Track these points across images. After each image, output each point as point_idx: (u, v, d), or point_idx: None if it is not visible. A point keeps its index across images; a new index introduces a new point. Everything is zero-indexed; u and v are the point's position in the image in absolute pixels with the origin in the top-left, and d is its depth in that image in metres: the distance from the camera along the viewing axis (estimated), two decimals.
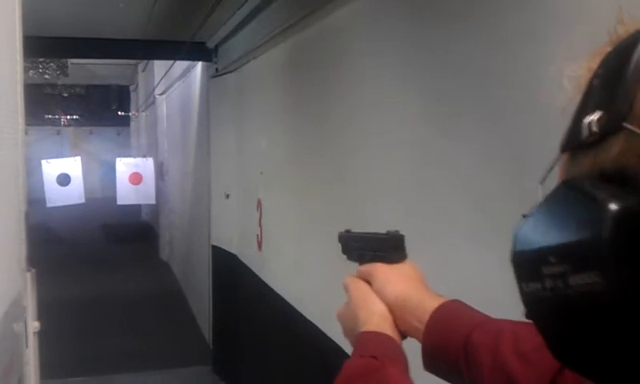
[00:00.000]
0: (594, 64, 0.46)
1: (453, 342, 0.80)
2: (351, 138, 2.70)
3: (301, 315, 3.37)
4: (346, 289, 0.94)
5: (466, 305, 0.85)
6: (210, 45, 5.33)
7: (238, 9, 4.10)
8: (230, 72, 5.06)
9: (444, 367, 0.82)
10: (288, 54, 3.68)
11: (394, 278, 0.90)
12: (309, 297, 3.34)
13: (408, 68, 2.15)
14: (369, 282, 0.92)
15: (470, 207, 1.76)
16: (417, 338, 0.86)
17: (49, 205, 8.32)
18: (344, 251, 1.01)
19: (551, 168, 0.49)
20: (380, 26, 2.39)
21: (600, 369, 0.41)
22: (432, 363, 0.84)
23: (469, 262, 1.72)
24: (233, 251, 5.17)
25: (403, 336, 0.88)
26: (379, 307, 0.88)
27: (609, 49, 0.46)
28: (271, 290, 4.02)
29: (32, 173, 9.66)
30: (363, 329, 0.86)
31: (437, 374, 0.85)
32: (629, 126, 0.39)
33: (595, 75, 0.45)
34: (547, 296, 0.42)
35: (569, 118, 0.47)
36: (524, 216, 0.48)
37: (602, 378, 0.41)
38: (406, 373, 0.80)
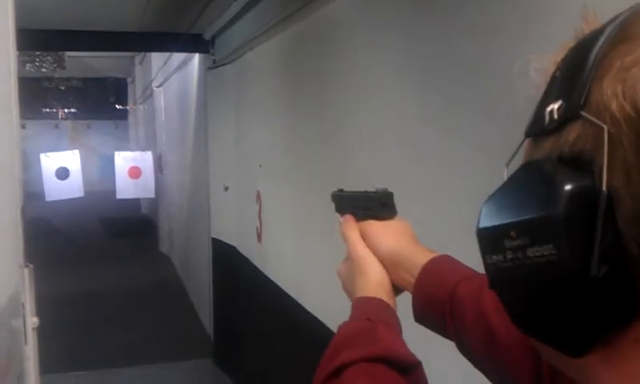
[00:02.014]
0: (559, 58, 0.50)
1: (439, 295, 0.84)
2: (350, 129, 2.69)
3: (301, 307, 3.38)
4: (345, 241, 0.98)
5: (454, 259, 0.90)
6: (207, 36, 5.30)
7: (235, 0, 4.07)
8: (228, 63, 5.04)
9: (432, 320, 0.86)
10: (286, 45, 3.66)
11: (385, 234, 0.94)
12: (308, 288, 3.34)
13: (406, 60, 2.14)
14: (363, 238, 0.96)
15: (467, 204, 1.75)
16: (409, 291, 0.90)
17: (48, 199, 8.33)
18: (337, 209, 1.06)
19: (516, 151, 0.53)
20: (378, 18, 2.38)
21: (554, 334, 0.45)
22: (421, 316, 0.88)
23: (466, 259, 1.71)
24: (232, 243, 5.17)
25: (397, 291, 0.92)
26: (376, 273, 0.92)
27: (572, 44, 0.50)
28: (271, 281, 4.02)
29: (31, 167, 9.66)
30: (360, 294, 0.90)
31: (426, 326, 0.89)
32: (585, 115, 0.43)
33: (558, 67, 0.49)
34: (507, 267, 0.47)
35: (534, 106, 0.51)
36: (490, 196, 0.52)
37: (556, 342, 0.46)
38: (399, 335, 0.83)
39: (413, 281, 0.88)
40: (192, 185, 7.36)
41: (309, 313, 3.23)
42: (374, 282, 0.91)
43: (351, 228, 0.98)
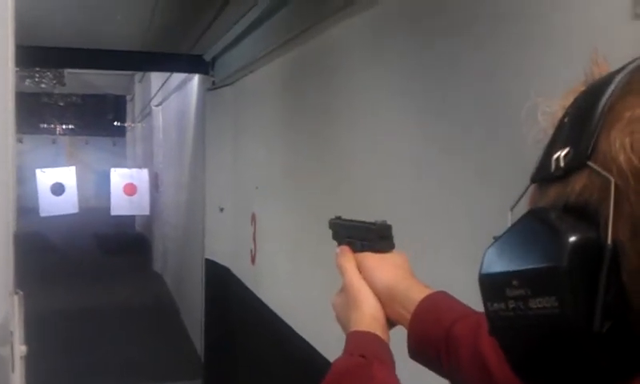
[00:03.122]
0: (567, 102, 0.50)
1: (435, 332, 0.83)
2: (348, 153, 2.69)
3: (293, 331, 3.35)
4: (341, 273, 0.97)
5: (450, 297, 0.89)
6: (208, 58, 5.33)
7: (236, 23, 4.10)
8: (227, 85, 5.06)
9: (427, 357, 0.86)
10: (285, 68, 3.68)
11: (382, 267, 0.93)
12: (302, 313, 3.32)
13: (406, 84, 2.15)
14: (359, 270, 0.95)
15: (468, 224, 1.75)
16: (404, 326, 0.89)
17: (42, 214, 8.29)
18: (334, 237, 1.04)
19: (521, 196, 0.52)
20: (378, 42, 2.39)
21: None
22: (416, 352, 0.87)
23: (465, 278, 1.70)
24: (226, 264, 5.14)
25: (391, 325, 0.91)
26: (371, 307, 0.91)
27: (582, 88, 0.50)
28: (264, 304, 4.00)
29: (26, 181, 9.62)
30: (354, 328, 0.89)
31: (421, 363, 0.88)
32: (592, 165, 0.42)
33: (566, 113, 0.49)
34: (509, 316, 0.46)
35: (540, 151, 0.51)
36: (494, 238, 0.51)
37: None
38: (393, 372, 0.83)
39: (408, 316, 0.87)
40: (187, 204, 7.34)
41: (301, 338, 3.21)
42: (369, 315, 0.90)
43: (347, 259, 0.97)
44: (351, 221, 1.03)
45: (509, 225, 0.50)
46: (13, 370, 1.41)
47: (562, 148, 0.46)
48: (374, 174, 2.41)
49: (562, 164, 0.46)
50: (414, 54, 2.09)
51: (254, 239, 4.29)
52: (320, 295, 2.97)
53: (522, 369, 0.48)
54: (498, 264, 0.48)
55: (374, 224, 0.97)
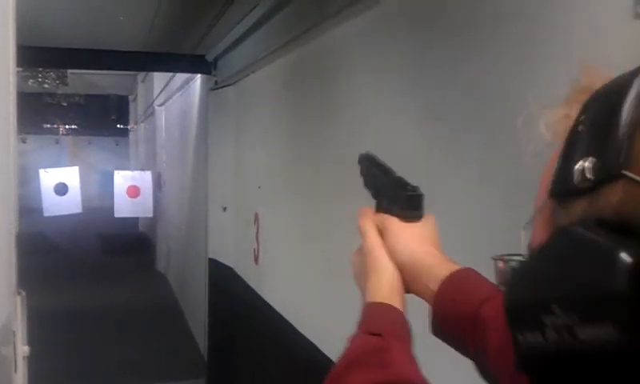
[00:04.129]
0: (572, 111, 0.47)
1: (462, 313, 0.79)
2: (349, 153, 2.68)
3: (296, 330, 3.35)
4: (362, 234, 0.92)
5: (478, 274, 0.83)
6: (210, 58, 5.33)
7: (238, 23, 4.11)
8: (229, 85, 5.06)
9: (452, 336, 0.81)
10: (287, 68, 3.68)
11: (407, 237, 0.88)
12: (305, 312, 3.32)
13: (407, 85, 2.15)
14: (381, 234, 0.90)
15: (467, 227, 1.75)
16: (427, 301, 0.84)
17: (46, 214, 8.31)
18: (362, 173, 0.98)
19: (536, 213, 0.48)
20: (379, 43, 2.39)
21: None
22: (439, 330, 0.83)
23: None
24: (229, 264, 5.15)
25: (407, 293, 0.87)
26: (389, 276, 0.86)
27: (582, 96, 0.47)
28: (267, 303, 4.00)
29: (30, 182, 9.64)
30: (370, 296, 0.85)
31: (444, 341, 0.84)
32: (629, 174, 0.39)
33: (579, 122, 0.45)
34: (549, 348, 0.41)
35: (542, 161, 0.48)
36: (495, 258, 0.48)
37: None
38: (411, 351, 0.79)
39: (431, 292, 0.82)
40: (190, 204, 7.35)
41: (305, 337, 3.21)
42: (387, 285, 0.85)
43: (370, 222, 0.92)
44: (384, 166, 0.94)
45: (523, 244, 0.46)
46: (15, 370, 1.41)
47: (584, 158, 0.42)
48: None
49: (588, 175, 0.41)
50: (415, 54, 2.09)
51: (257, 239, 4.29)
52: (323, 294, 2.97)
53: None
54: (530, 288, 0.43)
55: (405, 187, 0.91)
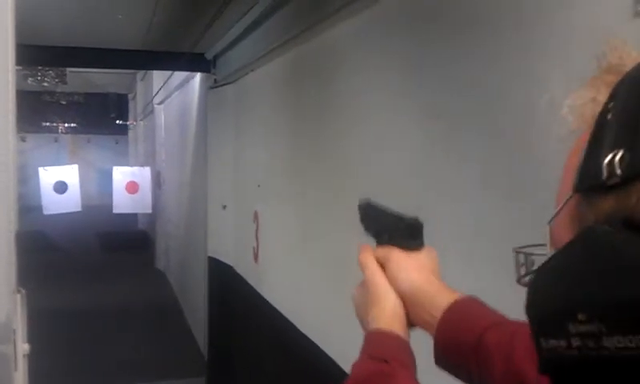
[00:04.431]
0: (600, 95, 0.44)
1: (465, 341, 0.79)
2: (349, 151, 2.69)
3: (296, 329, 3.35)
4: (362, 268, 0.92)
5: (481, 302, 0.84)
6: (209, 56, 5.33)
7: (237, 21, 4.10)
8: (229, 83, 5.06)
9: (455, 365, 0.81)
10: (286, 67, 3.68)
11: (408, 266, 0.88)
12: (305, 310, 3.32)
13: (408, 84, 2.15)
14: (383, 266, 0.90)
15: (469, 225, 1.75)
16: (428, 331, 0.85)
17: (45, 212, 8.32)
18: (362, 221, 0.99)
19: (561, 208, 0.45)
20: (379, 42, 2.39)
21: None
22: (442, 359, 0.83)
23: (467, 280, 1.71)
24: (229, 262, 5.15)
25: (413, 326, 0.87)
26: (391, 304, 0.86)
27: (610, 77, 0.44)
28: (267, 302, 4.00)
29: (29, 180, 9.64)
30: (374, 325, 0.85)
31: (447, 370, 0.84)
32: None
33: (608, 109, 0.42)
34: (573, 356, 0.39)
35: (565, 151, 0.45)
36: (517, 250, 0.45)
37: None
38: (415, 379, 0.79)
39: (433, 321, 0.82)
40: (190, 202, 7.35)
41: (304, 335, 3.21)
42: (390, 311, 0.85)
43: (369, 256, 0.92)
44: (382, 207, 0.96)
45: (547, 242, 0.44)
46: (15, 368, 1.42)
47: (613, 151, 0.39)
48: (375, 172, 2.41)
49: (617, 171, 0.39)
50: (414, 53, 2.09)
51: (257, 237, 4.30)
52: (323, 293, 2.97)
53: None
54: (555, 292, 0.40)
55: (404, 218, 0.92)
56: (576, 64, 1.33)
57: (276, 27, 3.61)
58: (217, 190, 5.32)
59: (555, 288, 0.41)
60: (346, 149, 2.72)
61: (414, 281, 0.86)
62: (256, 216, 4.31)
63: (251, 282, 4.50)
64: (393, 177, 2.26)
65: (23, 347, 1.47)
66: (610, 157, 0.39)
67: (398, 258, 0.89)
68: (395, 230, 0.91)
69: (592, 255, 0.39)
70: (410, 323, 0.86)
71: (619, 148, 0.39)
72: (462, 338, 0.79)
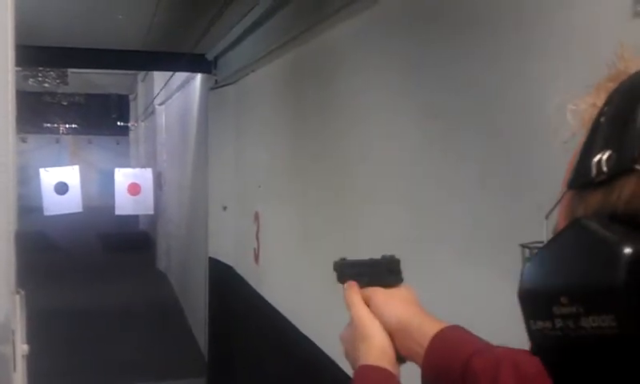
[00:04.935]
0: (599, 100, 0.47)
1: (452, 367, 0.80)
2: (349, 152, 2.69)
3: (296, 329, 3.35)
4: (348, 307, 0.94)
5: (465, 330, 0.86)
6: (210, 57, 5.33)
7: (238, 22, 4.11)
8: (229, 84, 5.06)
9: None
10: (287, 68, 3.68)
11: (391, 301, 0.91)
12: (305, 311, 3.32)
13: (407, 84, 2.15)
14: (367, 304, 0.93)
15: (467, 225, 1.75)
16: (416, 363, 0.86)
17: (46, 213, 8.31)
18: (339, 279, 1.01)
19: (557, 204, 0.49)
20: (379, 42, 2.39)
21: None
22: None
23: (465, 280, 1.71)
24: (229, 263, 5.15)
25: (402, 360, 0.88)
26: (380, 340, 0.88)
27: (611, 84, 0.47)
28: (267, 303, 4.00)
29: (30, 181, 9.64)
30: (362, 361, 0.87)
31: None
32: None
33: (602, 113, 0.45)
34: (557, 335, 0.43)
35: (568, 152, 0.48)
36: (523, 245, 0.49)
37: None
38: None
39: (421, 351, 0.85)
40: (191, 203, 7.35)
41: (305, 336, 3.21)
42: (378, 347, 0.87)
43: (354, 294, 0.94)
44: (357, 260, 1.01)
45: (545, 234, 0.47)
46: (14, 369, 1.42)
47: (603, 151, 0.43)
48: (375, 172, 2.41)
49: (604, 168, 0.42)
50: (414, 53, 2.09)
51: (258, 238, 4.29)
52: (323, 294, 2.97)
53: None
54: (542, 279, 0.44)
55: (381, 259, 0.96)
56: (576, 64, 1.33)
57: (276, 28, 3.61)
58: (217, 190, 5.33)
59: (542, 274, 0.44)
60: (346, 149, 2.72)
61: (400, 314, 0.89)
62: (257, 217, 4.31)
63: (252, 282, 4.50)
64: (392, 176, 2.26)
65: (22, 348, 1.47)
66: (599, 156, 0.43)
67: (382, 294, 0.92)
68: (374, 272, 0.95)
69: (574, 244, 0.43)
70: (400, 357, 0.88)
71: (608, 148, 0.42)
72: (448, 364, 0.81)
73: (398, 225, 2.14)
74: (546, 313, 0.43)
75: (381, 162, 2.36)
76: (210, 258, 5.55)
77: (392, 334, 0.89)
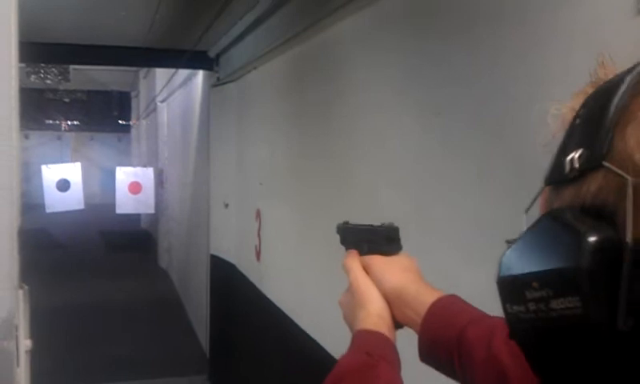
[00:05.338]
0: (577, 104, 0.50)
1: (448, 336, 0.83)
2: (351, 149, 2.69)
3: (298, 327, 3.36)
4: (347, 272, 0.97)
5: (462, 300, 0.88)
6: (212, 54, 5.33)
7: (240, 19, 4.11)
8: (231, 81, 5.06)
9: (439, 360, 0.85)
10: (289, 65, 3.68)
11: (390, 269, 0.93)
12: (306, 308, 3.33)
13: (408, 81, 2.15)
14: (367, 271, 0.95)
15: (466, 222, 1.75)
16: (413, 329, 0.89)
17: (48, 210, 8.32)
18: (342, 242, 1.04)
19: (535, 199, 0.52)
20: (380, 40, 2.39)
21: None
22: (428, 355, 0.87)
23: (466, 277, 1.71)
24: (231, 261, 5.16)
25: (400, 326, 0.91)
26: (377, 306, 0.91)
27: (590, 90, 0.50)
28: (269, 300, 4.01)
29: (32, 178, 9.66)
30: (360, 326, 0.89)
31: (432, 366, 0.87)
32: (607, 165, 0.43)
33: (577, 115, 0.49)
34: (529, 318, 0.46)
35: (551, 154, 0.51)
36: (507, 242, 0.52)
37: None
38: (398, 374, 0.82)
39: (418, 319, 0.87)
40: (192, 200, 7.36)
41: (306, 333, 3.21)
42: (375, 314, 0.90)
43: (354, 260, 0.97)
44: (358, 225, 1.03)
45: (524, 227, 0.49)
46: (18, 364, 1.42)
47: (576, 149, 0.46)
48: (376, 169, 2.41)
49: (576, 165, 0.46)
50: (416, 50, 2.09)
51: (259, 235, 4.30)
52: (324, 291, 2.97)
53: (543, 370, 0.48)
54: (516, 266, 0.48)
55: (381, 226, 0.97)
56: (577, 62, 1.33)
57: (278, 25, 3.61)
58: (219, 188, 5.33)
59: (517, 262, 0.48)
60: (348, 146, 2.72)
61: (398, 281, 0.91)
62: (258, 214, 4.31)
63: (253, 279, 4.51)
64: (393, 173, 2.26)
65: (25, 343, 1.48)
66: (572, 154, 0.47)
67: (381, 261, 0.95)
68: (374, 239, 0.97)
69: (545, 233, 0.47)
70: (396, 323, 0.91)
71: (581, 147, 0.46)
72: (444, 333, 0.84)
73: (399, 221, 2.14)
74: (520, 297, 0.46)
75: (382, 159, 2.36)
76: (211, 255, 5.56)
77: (389, 301, 0.91)
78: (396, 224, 0.97)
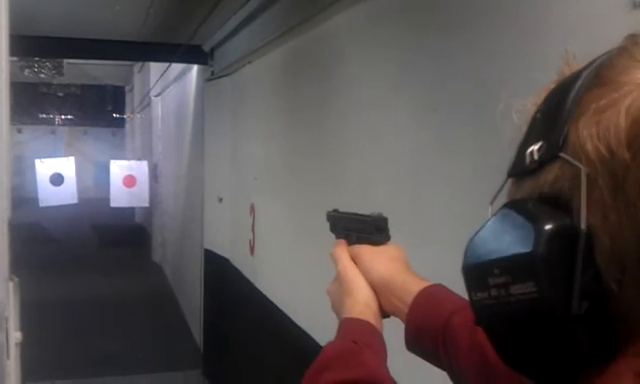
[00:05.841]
0: (540, 100, 0.53)
1: (433, 324, 0.84)
2: (346, 144, 2.69)
3: (291, 321, 3.36)
4: (335, 261, 0.98)
5: (448, 289, 0.89)
6: (206, 48, 5.32)
7: (235, 13, 4.09)
8: (226, 76, 5.05)
9: (425, 348, 0.87)
10: (283, 59, 3.67)
11: (378, 258, 0.94)
12: (300, 303, 3.33)
13: (404, 77, 2.15)
14: (355, 261, 0.96)
15: (462, 218, 1.75)
16: (400, 318, 0.90)
17: (41, 204, 8.29)
18: (331, 229, 1.05)
19: (499, 191, 0.55)
20: (376, 34, 2.39)
21: (538, 369, 0.47)
22: (414, 344, 0.88)
23: (458, 271, 1.71)
24: (225, 255, 5.15)
25: (386, 315, 0.92)
26: (364, 295, 0.92)
27: (553, 86, 0.52)
28: (262, 295, 4.01)
29: (25, 172, 9.62)
30: (347, 315, 0.90)
31: (418, 354, 0.89)
32: (563, 156, 0.45)
33: (538, 110, 0.51)
34: (492, 304, 0.48)
35: (515, 147, 0.53)
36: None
37: (540, 377, 0.47)
38: (384, 362, 0.83)
39: (405, 308, 0.88)
40: (186, 195, 7.34)
41: (299, 327, 3.22)
42: (362, 303, 0.90)
43: (341, 249, 0.98)
44: (348, 213, 1.03)
45: (489, 217, 0.52)
46: (8, 356, 1.41)
47: (536, 142, 0.48)
48: (371, 165, 2.41)
49: (535, 157, 0.48)
50: (411, 45, 2.09)
51: (253, 230, 4.30)
52: (318, 286, 2.97)
53: (506, 354, 0.49)
54: (479, 254, 0.50)
55: (369, 216, 0.98)
56: (573, 55, 1.33)
57: (273, 19, 3.60)
58: (213, 182, 5.32)
59: (479, 250, 0.50)
60: (343, 141, 2.72)
61: (386, 271, 0.92)
62: (252, 209, 4.31)
63: (247, 274, 4.50)
64: (387, 169, 2.26)
65: (15, 335, 1.47)
66: (532, 147, 0.48)
67: (369, 251, 0.96)
68: (362, 228, 0.98)
69: (505, 222, 0.49)
70: (383, 312, 0.92)
71: (540, 140, 0.48)
72: (430, 321, 0.85)
73: (394, 217, 2.14)
74: (483, 284, 0.48)
75: (377, 155, 2.36)
76: (205, 249, 5.55)
77: (377, 291, 0.92)
78: (385, 214, 0.98)
